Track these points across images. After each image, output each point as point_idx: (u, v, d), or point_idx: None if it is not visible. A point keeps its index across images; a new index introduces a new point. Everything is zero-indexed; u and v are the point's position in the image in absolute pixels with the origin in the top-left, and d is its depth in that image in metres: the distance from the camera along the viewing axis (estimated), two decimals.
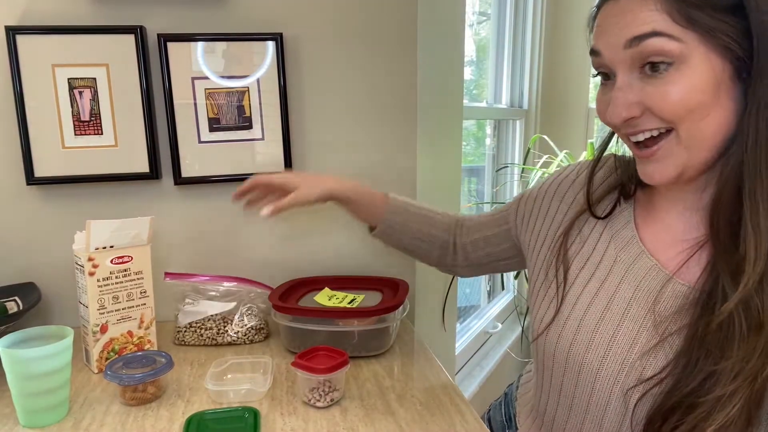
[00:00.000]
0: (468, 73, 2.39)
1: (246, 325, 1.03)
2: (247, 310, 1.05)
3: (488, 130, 2.53)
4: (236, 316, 1.04)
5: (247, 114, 1.11)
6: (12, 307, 0.97)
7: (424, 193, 1.23)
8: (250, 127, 1.11)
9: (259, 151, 1.13)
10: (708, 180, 0.63)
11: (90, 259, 0.88)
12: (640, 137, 0.61)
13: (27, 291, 1.03)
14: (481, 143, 2.57)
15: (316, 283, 1.12)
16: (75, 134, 1.05)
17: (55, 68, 1.02)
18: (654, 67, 0.57)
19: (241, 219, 1.16)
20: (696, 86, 0.56)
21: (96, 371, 0.91)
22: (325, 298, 1.04)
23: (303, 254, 1.20)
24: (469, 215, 1.01)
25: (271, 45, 1.09)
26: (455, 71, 1.41)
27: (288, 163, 1.13)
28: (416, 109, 1.19)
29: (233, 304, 1.04)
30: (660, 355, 0.62)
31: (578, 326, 0.69)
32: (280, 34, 1.09)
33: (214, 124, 1.10)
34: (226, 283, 1.06)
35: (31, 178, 1.04)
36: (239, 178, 1.12)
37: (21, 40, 1.00)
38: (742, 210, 0.57)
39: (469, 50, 2.36)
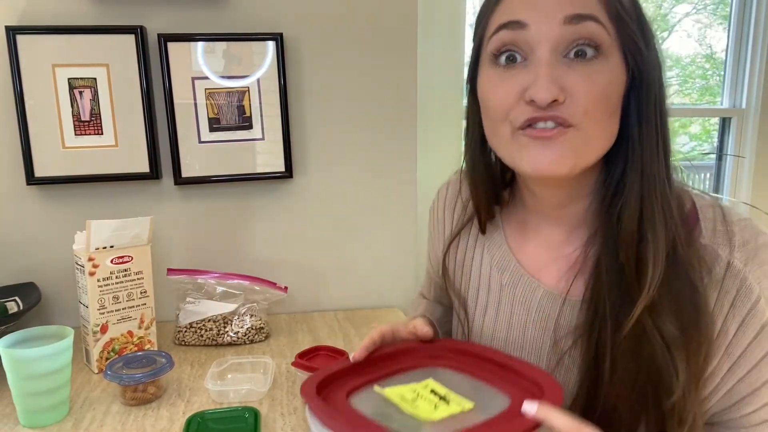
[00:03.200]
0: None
1: (246, 325, 1.03)
2: (247, 311, 1.05)
3: None
4: (236, 317, 1.04)
5: (247, 114, 1.11)
6: (12, 307, 0.97)
7: (424, 193, 1.23)
8: (250, 127, 1.11)
9: (259, 151, 1.13)
10: (579, 192, 0.61)
11: (90, 259, 0.88)
12: (550, 124, 0.54)
13: (27, 291, 1.03)
14: None
15: (367, 366, 0.63)
16: (75, 134, 1.05)
17: (55, 68, 1.02)
18: (580, 53, 0.54)
19: (240, 219, 1.16)
20: (612, 83, 0.54)
21: (96, 371, 0.91)
22: (400, 395, 0.57)
23: (303, 254, 1.20)
24: (426, 290, 0.93)
25: (271, 45, 1.09)
26: (455, 71, 1.41)
27: (288, 163, 1.14)
28: (416, 109, 1.19)
29: (234, 305, 1.04)
30: (563, 372, 0.63)
31: None
32: (280, 34, 1.09)
33: (214, 124, 1.10)
34: (228, 281, 1.06)
35: (31, 178, 1.04)
36: (239, 178, 1.12)
37: (21, 40, 1.00)
38: (638, 224, 0.56)
39: (469, 50, 2.36)
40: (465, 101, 0.67)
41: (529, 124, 0.55)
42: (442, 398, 0.56)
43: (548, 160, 0.55)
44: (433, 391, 0.57)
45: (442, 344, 0.67)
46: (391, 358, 0.65)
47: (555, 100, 0.53)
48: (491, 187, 0.68)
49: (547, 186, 0.63)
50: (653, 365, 0.57)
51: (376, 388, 0.58)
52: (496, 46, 0.56)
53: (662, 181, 0.56)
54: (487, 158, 0.65)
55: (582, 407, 0.60)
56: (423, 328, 0.66)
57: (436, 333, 0.76)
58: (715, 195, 0.61)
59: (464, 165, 0.69)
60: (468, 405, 0.54)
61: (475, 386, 0.59)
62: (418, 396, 0.57)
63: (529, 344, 0.66)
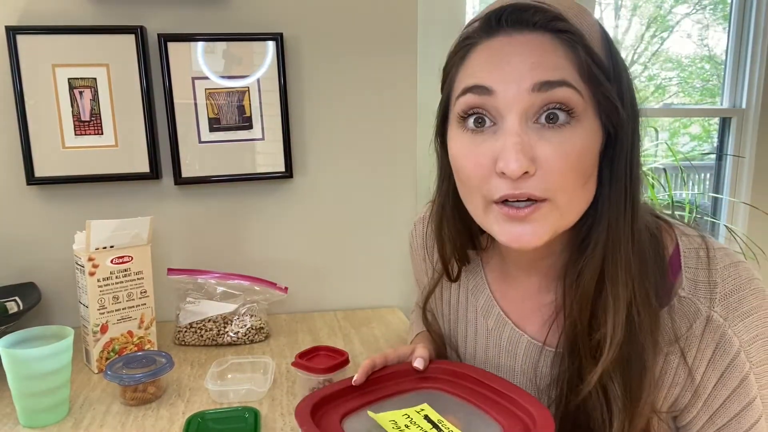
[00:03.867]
0: None
1: (246, 325, 1.03)
2: (247, 311, 1.05)
3: None
4: (236, 317, 1.03)
5: (248, 114, 1.11)
6: (12, 307, 0.97)
7: (424, 193, 1.23)
8: (250, 127, 1.11)
9: (259, 151, 1.13)
10: (554, 249, 0.61)
11: (90, 259, 0.88)
12: (523, 204, 0.52)
13: (27, 291, 1.03)
14: None
15: (363, 388, 0.64)
16: (75, 134, 1.05)
17: (55, 68, 1.02)
18: (551, 118, 0.51)
19: (240, 219, 1.16)
20: (586, 149, 0.52)
21: (96, 371, 0.91)
22: (393, 421, 0.57)
23: (303, 254, 1.20)
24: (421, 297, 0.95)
25: (271, 45, 1.09)
26: None
27: (288, 163, 1.13)
28: (416, 109, 1.19)
29: (234, 306, 1.04)
30: (558, 421, 0.62)
31: None
32: (280, 34, 1.09)
33: (215, 124, 1.10)
34: (228, 281, 1.06)
35: (31, 178, 1.04)
36: (239, 178, 1.12)
37: (21, 40, 1.00)
38: (602, 285, 0.55)
39: None
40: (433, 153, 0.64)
41: (504, 200, 0.53)
42: (435, 425, 0.56)
43: (524, 236, 0.53)
44: (426, 417, 0.57)
45: (439, 366, 0.67)
46: (388, 380, 0.65)
47: (526, 172, 0.50)
48: (467, 235, 0.66)
49: (522, 253, 0.62)
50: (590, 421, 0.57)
51: (370, 412, 0.58)
52: (462, 108, 0.54)
53: (627, 239, 0.54)
54: (462, 209, 0.61)
55: None
56: (422, 364, 0.65)
57: (444, 355, 0.77)
58: (702, 233, 0.60)
59: (432, 216, 0.67)
60: None
61: (469, 413, 0.59)
62: (410, 422, 0.56)
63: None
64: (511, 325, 0.66)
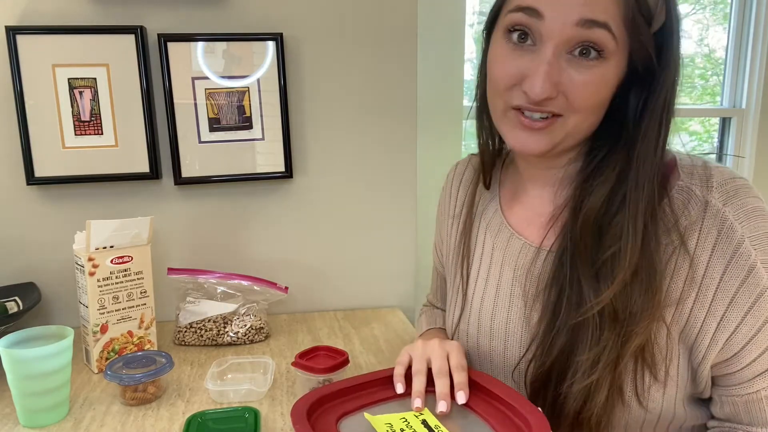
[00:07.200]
0: (468, 72, 2.39)
1: (246, 325, 1.03)
2: (247, 310, 1.05)
3: None
4: (236, 317, 1.03)
5: (247, 114, 1.11)
6: (12, 307, 0.97)
7: (424, 193, 1.23)
8: (250, 127, 1.11)
9: (259, 151, 1.13)
10: (563, 160, 0.66)
11: (90, 259, 0.88)
12: (536, 115, 0.59)
13: (27, 291, 1.03)
14: None
15: (365, 389, 0.64)
16: (75, 134, 1.05)
17: (55, 68, 1.02)
18: (584, 53, 0.56)
19: (240, 219, 1.16)
20: (607, 84, 0.57)
21: (96, 371, 0.91)
22: (389, 424, 0.57)
23: (304, 254, 1.20)
24: (432, 295, 0.95)
25: (271, 45, 1.09)
26: (455, 71, 1.41)
27: (288, 163, 1.13)
28: (416, 109, 1.19)
29: (234, 305, 1.04)
30: (534, 327, 0.65)
31: (478, 318, 0.71)
32: (280, 34, 1.09)
33: (215, 124, 1.10)
34: (228, 281, 1.06)
35: (31, 178, 1.04)
36: (239, 178, 1.12)
37: (21, 40, 1.00)
38: (617, 211, 0.59)
39: (470, 50, 2.36)
40: (466, 101, 0.70)
41: (520, 108, 0.59)
42: (431, 430, 0.55)
43: (530, 143, 0.60)
44: (424, 422, 0.57)
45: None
46: (390, 383, 0.64)
47: (548, 97, 0.57)
48: (494, 135, 0.72)
49: (532, 164, 0.69)
50: (580, 336, 0.59)
51: (366, 414, 0.58)
52: (510, 22, 0.58)
53: (654, 173, 0.58)
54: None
55: (538, 358, 0.63)
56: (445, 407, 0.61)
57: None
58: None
59: (475, 105, 0.73)
60: None
61: (466, 419, 0.59)
62: (407, 426, 0.56)
63: (516, 300, 0.68)
64: (515, 235, 0.70)
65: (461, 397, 0.60)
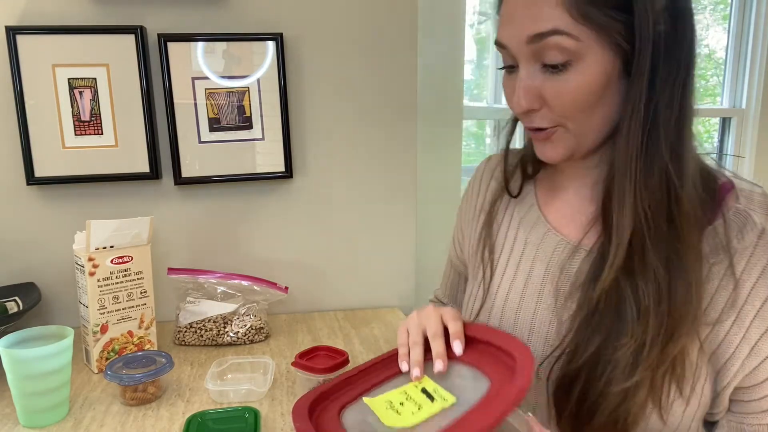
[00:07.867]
0: (468, 72, 2.39)
1: (246, 325, 1.03)
2: (247, 311, 1.05)
3: (488, 130, 2.53)
4: (236, 317, 1.04)
5: (247, 114, 1.11)
6: (12, 307, 0.97)
7: (424, 193, 1.23)
8: (250, 127, 1.11)
9: (259, 151, 1.13)
10: (599, 159, 0.66)
11: (90, 259, 0.88)
12: (537, 129, 0.63)
13: (27, 291, 1.03)
14: (481, 143, 2.57)
15: (364, 377, 0.65)
16: (75, 134, 1.05)
17: (55, 68, 1.02)
18: (552, 64, 0.57)
19: (240, 219, 1.16)
20: (589, 84, 0.57)
21: (96, 371, 0.91)
22: (388, 402, 0.58)
23: (303, 254, 1.20)
24: (441, 290, 0.95)
25: (271, 45, 1.09)
26: (455, 71, 1.41)
27: (288, 163, 1.13)
28: (416, 109, 1.19)
29: (234, 306, 1.04)
30: (567, 323, 0.64)
31: (502, 311, 0.71)
32: (280, 34, 1.09)
33: (215, 124, 1.10)
34: (229, 281, 1.06)
35: (31, 178, 1.04)
36: (239, 178, 1.12)
37: (21, 40, 1.00)
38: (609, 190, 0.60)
39: (469, 50, 2.36)
40: (467, 101, 0.72)
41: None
42: (429, 395, 0.56)
43: (547, 152, 0.64)
44: (423, 390, 0.58)
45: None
46: (387, 362, 0.65)
47: (531, 110, 0.60)
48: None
49: (567, 165, 0.70)
50: (620, 326, 0.58)
51: (365, 399, 0.59)
52: (502, 56, 0.63)
53: (637, 154, 0.57)
54: None
55: (568, 355, 0.62)
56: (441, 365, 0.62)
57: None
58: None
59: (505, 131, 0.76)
60: (450, 400, 0.55)
61: (460, 374, 0.60)
62: (407, 398, 0.57)
63: (545, 298, 0.67)
64: (552, 230, 0.69)
65: (457, 347, 0.61)
